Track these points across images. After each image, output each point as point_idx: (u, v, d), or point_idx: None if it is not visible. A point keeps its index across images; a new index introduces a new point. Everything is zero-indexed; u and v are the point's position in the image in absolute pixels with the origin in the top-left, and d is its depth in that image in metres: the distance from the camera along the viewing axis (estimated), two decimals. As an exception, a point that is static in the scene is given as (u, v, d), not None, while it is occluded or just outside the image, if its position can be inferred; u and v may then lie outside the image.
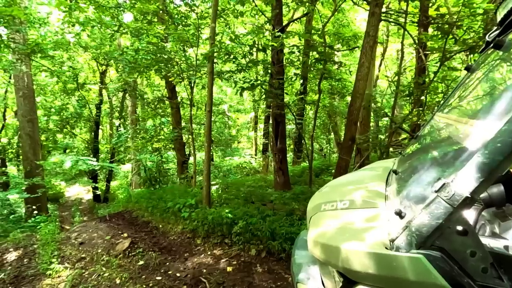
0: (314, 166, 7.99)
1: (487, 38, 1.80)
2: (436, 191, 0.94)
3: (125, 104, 13.24)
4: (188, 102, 6.40)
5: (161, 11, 5.74)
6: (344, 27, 10.44)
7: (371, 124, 9.03)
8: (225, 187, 6.29)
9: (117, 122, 14.24)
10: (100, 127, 15.42)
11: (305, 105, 9.36)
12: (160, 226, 4.95)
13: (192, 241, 4.28)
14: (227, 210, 4.19)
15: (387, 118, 7.99)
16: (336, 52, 8.80)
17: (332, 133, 11.74)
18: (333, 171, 5.32)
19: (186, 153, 8.44)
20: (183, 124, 8.44)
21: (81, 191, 14.88)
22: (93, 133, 13.31)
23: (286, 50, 5.55)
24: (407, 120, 6.57)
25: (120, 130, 12.39)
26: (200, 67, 5.48)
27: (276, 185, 5.94)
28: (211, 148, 12.76)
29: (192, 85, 6.35)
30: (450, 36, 5.25)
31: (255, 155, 15.07)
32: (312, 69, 5.92)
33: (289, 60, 5.96)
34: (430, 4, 6.34)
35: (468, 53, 6.35)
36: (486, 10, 4.99)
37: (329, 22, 9.68)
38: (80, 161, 8.14)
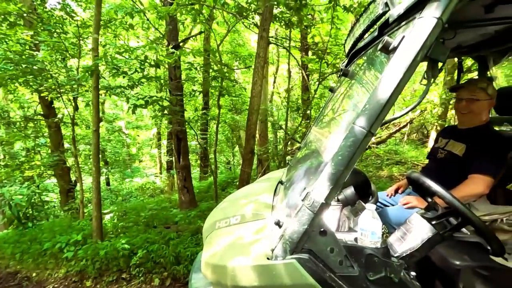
0: (220, 180, 8.07)
1: (340, 66, 2.24)
2: (302, 200, 1.07)
3: (-21, 124, 10.31)
4: (70, 121, 5.49)
5: (25, 14, 4.81)
6: (241, 47, 11.17)
7: (270, 136, 9.84)
8: (122, 214, 5.61)
9: (-35, 148, 10.90)
10: None
11: (208, 120, 9.45)
12: (34, 274, 3.97)
13: (80, 285, 3.60)
14: (123, 241, 3.73)
15: (282, 130, 8.86)
16: (235, 69, 9.27)
17: (237, 146, 12.19)
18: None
19: (72, 179, 7.16)
20: (66, 145, 7.17)
21: None
22: None
23: (184, 67, 5.49)
24: (298, 131, 7.45)
25: (-29, 158, 9.51)
26: (83, 81, 4.81)
27: (181, 204, 5.69)
28: (107, 170, 11.28)
29: (74, 100, 5.51)
30: (324, 60, 6.27)
31: (160, 173, 14.12)
32: (212, 85, 6.05)
33: (187, 76, 5.91)
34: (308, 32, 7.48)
35: (338, 75, 7.78)
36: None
37: (227, 41, 10.20)
38: None
